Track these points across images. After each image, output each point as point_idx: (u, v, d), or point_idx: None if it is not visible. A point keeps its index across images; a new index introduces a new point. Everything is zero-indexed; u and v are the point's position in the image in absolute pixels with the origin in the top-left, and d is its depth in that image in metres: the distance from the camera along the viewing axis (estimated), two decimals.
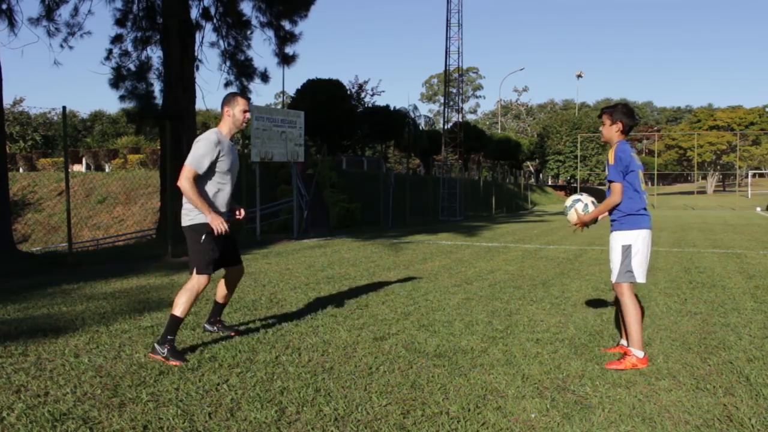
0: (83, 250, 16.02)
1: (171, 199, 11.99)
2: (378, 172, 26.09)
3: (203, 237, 4.41)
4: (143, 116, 16.23)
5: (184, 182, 4.30)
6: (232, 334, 4.94)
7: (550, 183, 69.29)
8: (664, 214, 30.25)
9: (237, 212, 4.81)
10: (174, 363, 4.16)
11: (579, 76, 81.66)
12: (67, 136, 10.53)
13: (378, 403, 3.47)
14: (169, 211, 11.66)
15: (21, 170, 37.76)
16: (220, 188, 4.52)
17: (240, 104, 4.54)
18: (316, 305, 6.23)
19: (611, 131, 4.37)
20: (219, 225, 4.36)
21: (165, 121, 12.95)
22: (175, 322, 4.33)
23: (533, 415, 3.32)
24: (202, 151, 4.35)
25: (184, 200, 4.44)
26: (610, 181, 4.27)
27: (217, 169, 4.45)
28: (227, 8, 16.82)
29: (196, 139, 4.47)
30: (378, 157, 41.38)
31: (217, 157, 4.41)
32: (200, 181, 4.42)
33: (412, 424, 3.21)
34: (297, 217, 15.49)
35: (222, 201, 4.55)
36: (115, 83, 15.65)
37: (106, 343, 4.72)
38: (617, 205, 4.30)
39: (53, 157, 41.87)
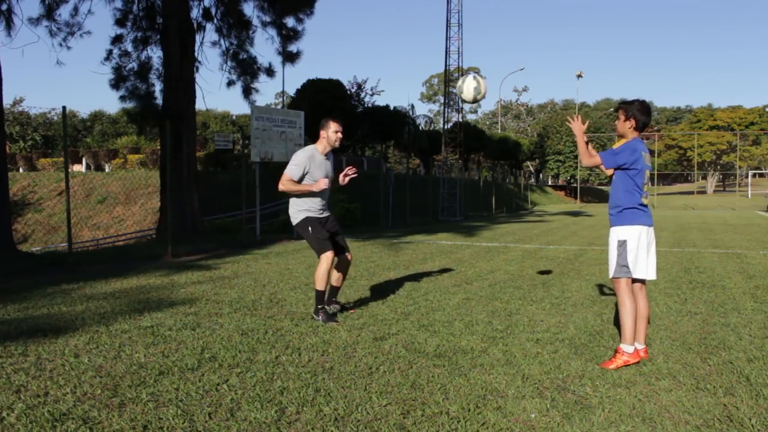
0: (83, 250, 16.02)
1: (171, 199, 11.99)
2: (378, 172, 26.10)
3: (309, 228, 5.57)
4: (143, 116, 16.23)
5: (283, 184, 5.55)
6: (352, 311, 5.90)
7: (550, 183, 69.29)
8: (664, 214, 30.25)
9: (342, 177, 5.76)
10: (332, 324, 5.34)
11: (579, 76, 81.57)
12: (67, 136, 10.53)
13: (378, 403, 3.47)
14: (170, 210, 11.65)
15: (21, 170, 37.77)
16: (312, 195, 5.63)
17: (332, 127, 5.65)
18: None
19: (625, 127, 4.37)
20: (320, 184, 5.52)
21: (165, 121, 12.95)
22: (319, 294, 5.52)
23: (533, 415, 3.32)
24: (297, 160, 5.55)
25: (290, 205, 5.74)
26: (598, 155, 4.37)
27: (307, 177, 5.57)
28: (228, 8, 16.82)
29: (298, 150, 5.72)
30: (378, 157, 41.38)
31: (308, 169, 5.55)
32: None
33: (412, 424, 3.21)
34: None
35: (317, 204, 5.66)
36: (115, 84, 15.66)
37: (106, 343, 4.72)
38: (613, 200, 4.34)
39: (53, 157, 41.87)
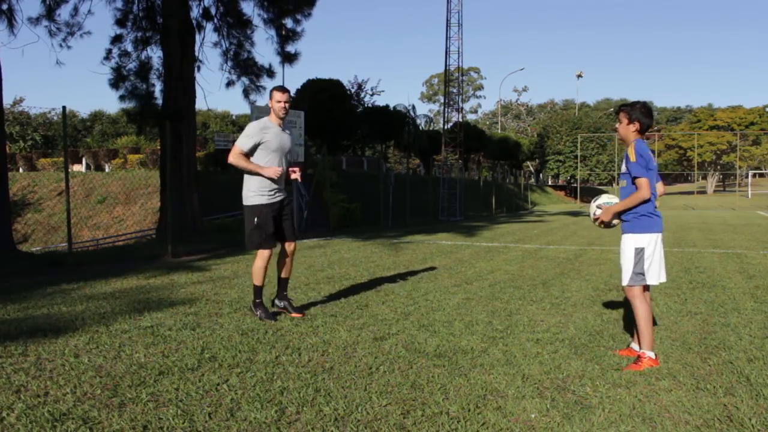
0: (83, 250, 16.02)
1: (171, 199, 11.99)
2: (378, 172, 26.08)
3: (255, 219, 5.39)
4: (143, 116, 16.23)
5: (233, 157, 5.34)
6: (300, 315, 5.63)
7: (550, 183, 69.29)
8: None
9: (292, 172, 5.62)
10: (269, 322, 5.31)
11: (579, 76, 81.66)
12: (67, 136, 10.53)
13: (378, 403, 3.47)
14: (170, 210, 11.65)
15: (21, 170, 37.76)
16: (270, 164, 5.40)
17: (274, 96, 5.49)
18: (316, 305, 6.23)
19: (628, 130, 4.30)
20: (275, 170, 5.31)
21: (165, 121, 12.95)
22: (257, 289, 5.51)
23: (533, 415, 3.32)
24: (248, 132, 5.38)
25: (244, 182, 5.45)
26: (635, 177, 4.14)
27: (261, 148, 5.39)
28: (228, 8, 16.81)
29: (250, 123, 5.60)
30: (378, 157, 41.38)
31: (261, 141, 5.37)
32: (250, 157, 5.42)
33: (412, 424, 3.21)
34: (297, 217, 15.49)
35: (271, 185, 5.42)
36: (114, 83, 15.65)
37: (106, 343, 4.72)
38: (645, 201, 4.20)
39: (53, 157, 41.86)
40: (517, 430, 3.15)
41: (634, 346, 4.43)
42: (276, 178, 5.35)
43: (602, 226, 4.46)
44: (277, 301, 5.75)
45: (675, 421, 3.26)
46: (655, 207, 4.27)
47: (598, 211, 4.46)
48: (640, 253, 4.20)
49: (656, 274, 4.26)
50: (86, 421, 3.19)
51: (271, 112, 5.54)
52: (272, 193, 5.45)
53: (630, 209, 4.24)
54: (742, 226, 20.45)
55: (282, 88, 5.51)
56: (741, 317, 5.75)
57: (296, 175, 5.61)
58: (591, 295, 6.89)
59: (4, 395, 3.55)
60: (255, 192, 5.41)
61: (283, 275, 5.73)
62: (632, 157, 4.16)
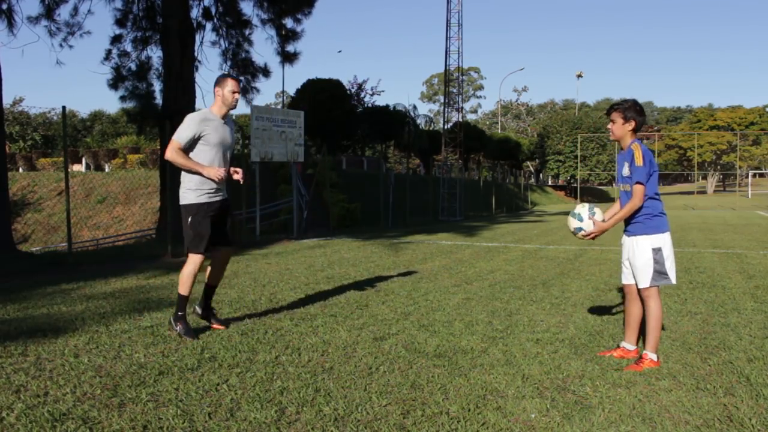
0: (83, 250, 16.02)
1: (171, 199, 11.98)
2: (378, 172, 26.08)
3: (190, 219, 4.83)
4: (143, 116, 16.24)
5: (170, 153, 4.73)
6: (221, 327, 5.11)
7: (550, 183, 69.29)
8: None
9: (234, 172, 5.08)
10: (188, 338, 4.71)
11: (579, 76, 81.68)
12: (66, 136, 10.53)
13: (378, 403, 3.47)
14: (170, 210, 11.65)
15: (21, 170, 37.77)
16: (206, 162, 4.85)
17: (229, 85, 4.87)
18: (316, 305, 6.23)
19: (624, 129, 4.25)
20: (217, 172, 4.78)
21: (165, 120, 12.95)
22: (182, 300, 4.89)
23: (533, 415, 3.32)
24: (186, 123, 4.79)
25: (181, 178, 4.88)
26: (637, 182, 4.11)
27: (202, 142, 4.81)
28: (227, 7, 16.82)
29: (188, 115, 4.90)
30: (378, 157, 41.37)
31: (201, 134, 4.79)
32: (189, 153, 4.85)
33: (412, 424, 3.21)
34: (297, 217, 15.48)
35: (212, 183, 4.86)
36: (114, 84, 15.67)
37: (106, 343, 4.72)
38: (638, 210, 4.19)
39: (53, 156, 41.87)
40: (517, 430, 3.15)
41: (627, 345, 4.41)
42: (218, 180, 4.84)
43: (589, 239, 4.41)
44: (198, 308, 5.19)
45: (675, 421, 3.26)
46: (663, 208, 4.27)
47: (591, 226, 4.36)
48: (659, 252, 4.18)
49: (675, 273, 4.26)
50: (86, 421, 3.19)
51: (217, 102, 4.92)
52: (212, 191, 4.89)
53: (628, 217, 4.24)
54: (742, 226, 20.45)
55: (236, 77, 5.02)
56: (741, 317, 5.75)
57: (239, 176, 5.04)
58: (591, 295, 6.89)
59: (4, 395, 3.55)
60: (192, 189, 4.85)
61: (211, 282, 5.17)
62: (639, 161, 4.11)
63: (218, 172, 4.79)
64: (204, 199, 4.86)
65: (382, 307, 6.13)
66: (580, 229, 4.41)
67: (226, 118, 4.98)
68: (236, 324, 5.36)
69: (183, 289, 4.89)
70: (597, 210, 4.43)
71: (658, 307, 4.19)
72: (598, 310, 6.05)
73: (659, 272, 4.18)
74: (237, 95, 4.89)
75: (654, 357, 4.14)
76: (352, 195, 22.96)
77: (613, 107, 4.32)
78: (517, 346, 4.69)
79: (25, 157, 41.17)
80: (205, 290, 5.15)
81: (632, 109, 4.24)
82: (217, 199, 4.94)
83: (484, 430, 3.15)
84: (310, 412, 3.33)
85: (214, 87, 4.90)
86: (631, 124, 4.24)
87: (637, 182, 4.13)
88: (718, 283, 7.82)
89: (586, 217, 4.41)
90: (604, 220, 4.36)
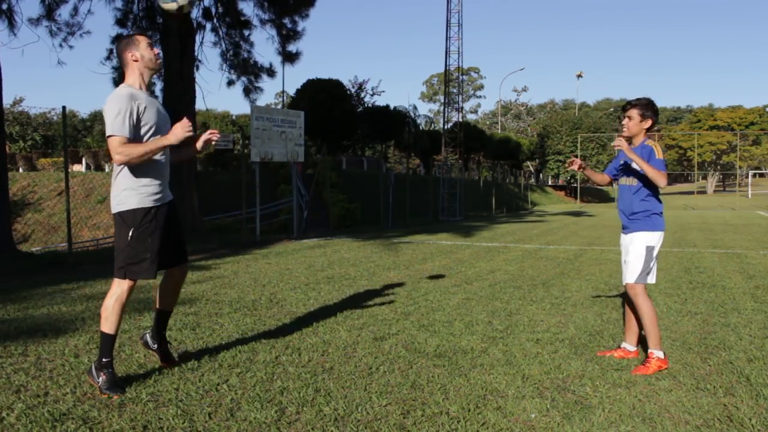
0: (83, 250, 16.01)
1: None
2: (378, 172, 26.07)
3: (132, 231, 3.59)
4: None
5: (118, 153, 3.47)
6: (164, 364, 4.04)
7: (550, 183, 69.27)
8: (664, 214, 30.24)
9: (201, 142, 3.98)
10: (115, 393, 3.48)
11: (579, 76, 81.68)
12: (66, 136, 10.53)
13: (378, 403, 3.47)
14: None
15: (21, 170, 37.75)
16: (155, 163, 3.68)
17: (142, 41, 3.71)
18: (316, 305, 6.23)
19: (639, 127, 4.23)
20: (179, 130, 3.57)
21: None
22: (108, 341, 3.60)
23: (533, 415, 3.32)
24: (115, 110, 3.50)
25: (114, 179, 3.65)
26: (660, 170, 4.04)
27: (143, 132, 3.61)
28: (227, 8, 16.83)
29: (107, 101, 3.58)
30: (378, 157, 41.37)
31: (138, 115, 3.58)
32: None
33: (412, 424, 3.21)
34: (297, 217, 15.48)
35: (159, 171, 3.71)
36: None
37: None
38: (645, 200, 4.20)
39: (53, 157, 41.86)
40: (517, 430, 3.15)
41: (627, 346, 4.41)
42: (185, 134, 3.58)
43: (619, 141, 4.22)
44: (149, 339, 4.05)
45: (675, 421, 3.26)
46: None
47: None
48: (650, 251, 4.19)
49: (655, 272, 4.28)
50: (86, 421, 3.19)
51: (133, 70, 3.70)
52: (157, 192, 3.69)
53: (644, 171, 4.08)
54: (742, 226, 20.45)
55: (146, 34, 3.87)
56: (741, 317, 5.75)
57: (215, 135, 3.92)
58: (591, 295, 6.89)
59: (4, 395, 3.55)
60: (133, 189, 3.60)
61: (166, 308, 4.04)
62: (659, 154, 4.13)
63: (182, 125, 3.57)
64: (149, 202, 3.64)
65: (382, 307, 6.13)
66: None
67: (148, 89, 3.80)
68: (236, 324, 5.36)
69: (108, 325, 3.59)
70: None
71: (648, 304, 4.19)
72: (598, 310, 6.05)
73: (646, 271, 4.20)
74: (156, 50, 3.74)
75: (660, 354, 4.09)
76: (352, 195, 22.96)
77: (632, 104, 4.30)
78: (517, 346, 4.69)
79: (25, 157, 41.16)
80: (158, 317, 4.03)
81: (650, 108, 4.24)
82: (166, 201, 3.78)
83: (484, 430, 3.15)
84: (310, 412, 3.33)
85: (122, 54, 3.70)
86: (647, 123, 4.24)
87: (661, 170, 4.08)
88: (718, 283, 7.83)
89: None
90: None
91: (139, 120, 3.58)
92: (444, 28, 34.19)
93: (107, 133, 3.52)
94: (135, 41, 3.70)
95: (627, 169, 4.31)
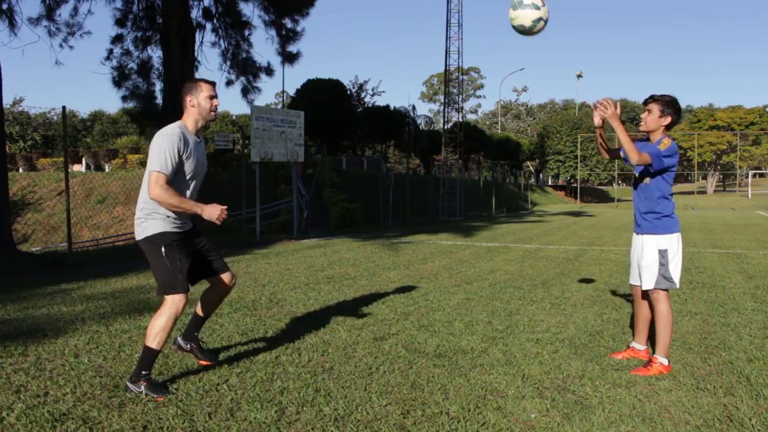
0: (83, 250, 16.01)
1: None
2: (378, 172, 26.08)
3: (163, 250, 3.71)
4: (144, 116, 16.26)
5: (157, 190, 3.60)
6: (203, 363, 4.14)
7: (550, 183, 69.27)
8: None
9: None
10: (158, 398, 3.53)
11: (579, 76, 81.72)
12: (66, 136, 10.53)
13: (378, 403, 3.47)
14: None
15: (21, 170, 37.76)
16: (187, 189, 3.83)
17: (204, 90, 3.82)
18: (316, 305, 6.23)
19: (658, 123, 4.09)
20: (215, 212, 3.71)
21: (165, 120, 12.95)
22: (151, 356, 3.65)
23: (533, 415, 3.32)
24: (163, 147, 3.63)
25: (138, 208, 3.80)
26: (635, 147, 3.93)
27: (181, 174, 3.73)
28: (227, 8, 16.84)
29: (157, 135, 3.71)
30: (378, 157, 41.37)
31: (181, 157, 3.68)
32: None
33: (412, 424, 3.21)
34: (297, 217, 15.49)
35: (183, 212, 3.77)
36: (118, 82, 15.71)
37: (106, 343, 4.72)
38: (649, 207, 4.09)
39: (53, 157, 41.85)
40: (517, 430, 3.15)
41: (636, 345, 4.40)
42: (219, 222, 3.77)
43: (597, 106, 4.10)
44: (181, 341, 4.16)
45: (675, 421, 3.26)
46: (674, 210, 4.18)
47: (544, 16, 3.96)
48: (664, 254, 4.08)
49: (679, 276, 4.16)
50: (86, 421, 3.19)
51: (191, 115, 3.83)
52: (179, 221, 3.83)
53: (627, 151, 3.97)
54: (742, 226, 20.45)
55: (210, 81, 3.91)
56: (741, 317, 5.75)
57: (224, 214, 3.80)
58: (591, 295, 6.89)
59: (4, 395, 3.55)
60: (157, 217, 3.75)
61: (203, 313, 4.17)
62: (663, 146, 3.98)
63: (222, 213, 3.75)
64: (173, 228, 3.79)
65: (382, 307, 6.13)
66: (540, 19, 4.03)
67: (200, 134, 3.93)
68: (236, 324, 5.36)
69: (156, 342, 3.64)
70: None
71: (667, 311, 4.10)
72: (598, 310, 6.05)
73: (663, 275, 4.08)
74: (216, 102, 3.87)
75: (665, 362, 4.05)
76: (352, 195, 22.97)
77: (654, 98, 4.13)
78: (517, 346, 4.69)
79: (25, 157, 41.15)
80: (195, 320, 4.18)
81: (672, 106, 4.09)
82: (188, 228, 3.91)
83: (484, 430, 3.15)
84: (310, 412, 3.33)
85: (183, 96, 3.83)
86: (667, 120, 4.10)
87: (643, 151, 3.98)
88: (718, 283, 7.83)
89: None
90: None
91: (181, 162, 3.71)
92: (444, 28, 34.21)
93: (151, 168, 3.65)
94: (198, 88, 3.83)
95: (643, 170, 4.19)
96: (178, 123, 3.80)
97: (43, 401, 3.46)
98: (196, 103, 3.81)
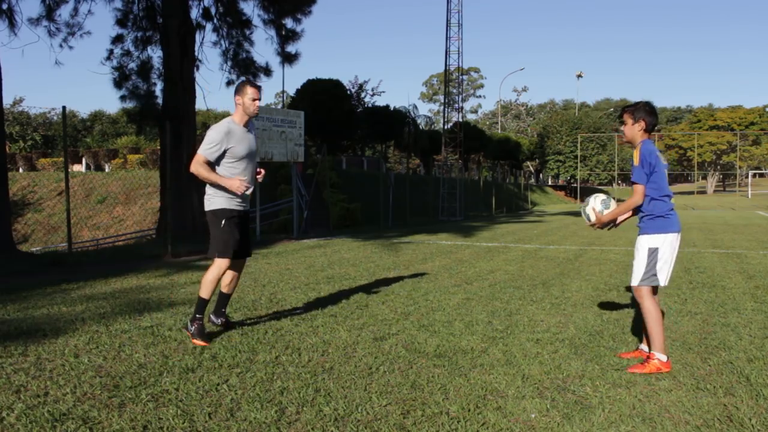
0: (83, 250, 16.01)
1: (171, 199, 11.99)
2: (378, 172, 26.08)
3: (223, 223, 4.83)
4: (144, 116, 16.25)
5: (195, 166, 4.77)
6: (227, 328, 5.13)
7: (550, 183, 69.30)
8: None
9: (258, 173, 5.16)
10: (199, 343, 4.62)
11: (579, 76, 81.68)
12: (66, 136, 10.53)
13: (378, 403, 3.47)
14: (169, 210, 11.65)
15: (21, 170, 37.77)
16: (234, 174, 4.85)
17: (249, 93, 4.85)
18: (316, 305, 6.23)
19: (634, 130, 4.23)
20: (240, 185, 4.74)
21: (165, 121, 12.95)
22: (203, 304, 4.82)
23: (533, 415, 3.32)
24: (212, 138, 4.77)
25: (206, 186, 4.90)
26: (633, 182, 4.15)
27: (228, 155, 4.82)
28: (227, 8, 16.83)
29: (210, 127, 4.87)
30: (378, 157, 41.36)
31: (226, 148, 4.79)
32: (213, 167, 4.86)
33: (412, 424, 3.21)
34: (297, 217, 15.49)
35: (240, 194, 4.86)
36: (118, 83, 15.70)
37: (106, 343, 4.72)
38: (639, 207, 4.21)
39: (53, 157, 41.89)
40: (517, 430, 3.15)
41: (644, 347, 4.39)
42: (240, 193, 4.81)
43: (598, 228, 4.54)
44: (213, 317, 5.16)
45: (675, 421, 3.26)
46: (672, 209, 4.21)
47: (593, 216, 4.49)
48: (653, 253, 4.15)
49: (667, 275, 4.20)
50: (86, 421, 3.19)
51: (238, 111, 4.91)
52: (239, 200, 4.94)
53: (625, 214, 4.34)
54: (742, 226, 20.46)
55: (257, 84, 4.95)
56: (741, 317, 5.75)
57: (260, 176, 5.15)
58: (591, 295, 6.89)
59: (4, 395, 3.55)
60: (222, 195, 4.87)
61: (227, 291, 5.16)
62: (636, 160, 4.12)
63: (240, 185, 4.75)
64: (234, 206, 4.90)
65: (382, 307, 6.13)
66: (588, 217, 4.59)
67: (248, 125, 4.97)
68: (236, 324, 5.36)
69: (205, 292, 4.84)
70: (612, 203, 4.52)
71: (652, 307, 4.15)
72: (598, 310, 6.05)
73: (649, 273, 4.16)
74: (258, 102, 4.88)
75: (662, 357, 4.07)
76: (352, 195, 22.96)
77: (624, 109, 4.33)
78: (517, 346, 4.69)
79: (25, 157, 41.18)
80: (221, 298, 5.14)
81: (642, 110, 4.22)
82: (243, 208, 5.00)
83: (484, 430, 3.15)
84: (310, 412, 3.33)
85: (234, 95, 4.88)
86: (641, 124, 4.21)
87: (634, 182, 4.15)
88: (718, 283, 7.83)
89: (587, 205, 4.59)
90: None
91: (226, 151, 4.80)
92: (444, 28, 34.21)
93: (200, 150, 4.80)
94: (244, 90, 4.86)
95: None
96: (228, 118, 4.91)
97: (43, 401, 3.46)
98: (242, 102, 4.85)
